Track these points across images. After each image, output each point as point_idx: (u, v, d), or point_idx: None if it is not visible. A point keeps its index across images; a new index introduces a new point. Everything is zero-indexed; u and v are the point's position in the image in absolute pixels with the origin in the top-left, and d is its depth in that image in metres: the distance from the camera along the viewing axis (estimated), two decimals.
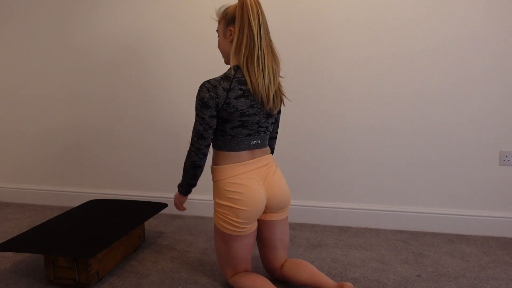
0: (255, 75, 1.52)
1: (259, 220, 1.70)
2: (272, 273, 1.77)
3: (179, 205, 1.80)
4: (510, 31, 2.11)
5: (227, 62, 1.66)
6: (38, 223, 2.54)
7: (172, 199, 2.67)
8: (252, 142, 1.61)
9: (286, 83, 2.39)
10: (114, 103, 2.68)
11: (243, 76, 1.54)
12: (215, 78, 1.54)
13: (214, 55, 2.46)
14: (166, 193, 2.70)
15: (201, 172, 1.64)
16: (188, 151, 1.60)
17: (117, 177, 2.77)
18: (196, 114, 1.54)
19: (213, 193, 1.64)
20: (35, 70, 2.79)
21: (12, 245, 1.73)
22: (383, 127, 2.32)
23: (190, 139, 1.59)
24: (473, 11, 2.13)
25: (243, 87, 1.54)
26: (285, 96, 1.68)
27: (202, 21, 2.45)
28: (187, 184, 1.67)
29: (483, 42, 2.15)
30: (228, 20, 1.57)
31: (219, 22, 1.62)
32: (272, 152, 1.84)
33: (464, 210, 2.30)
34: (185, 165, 1.62)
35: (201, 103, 1.51)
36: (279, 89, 1.63)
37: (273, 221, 1.69)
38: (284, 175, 2.48)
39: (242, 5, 1.51)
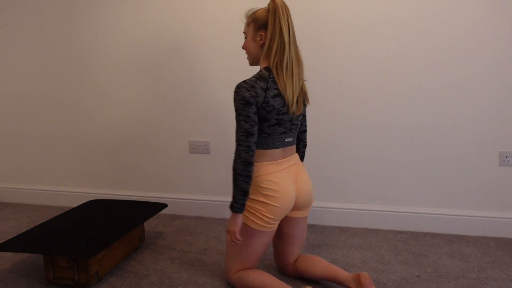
0: (284, 79, 1.58)
1: (284, 218, 1.76)
2: (284, 268, 1.82)
3: (236, 233, 1.60)
4: (510, 31, 2.11)
5: (252, 64, 1.71)
6: (38, 223, 2.54)
7: (172, 200, 2.67)
8: (286, 140, 1.67)
9: None
10: (114, 103, 2.68)
11: (275, 78, 1.59)
12: (250, 79, 1.58)
13: (214, 56, 2.47)
14: (166, 193, 2.70)
15: (253, 171, 1.60)
16: (236, 153, 1.56)
17: (117, 177, 2.77)
18: (239, 114, 1.55)
19: None
20: (35, 71, 2.78)
21: (11, 245, 1.73)
22: (383, 127, 2.32)
23: (238, 139, 1.56)
24: (473, 11, 2.13)
25: (277, 87, 1.59)
26: (307, 98, 1.73)
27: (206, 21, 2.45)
28: (242, 193, 1.56)
29: (483, 42, 2.15)
30: (260, 25, 1.60)
31: (248, 24, 1.65)
32: (305, 146, 1.90)
33: (463, 210, 2.30)
34: (235, 169, 1.55)
35: (243, 102, 1.54)
36: (303, 91, 1.68)
37: (297, 218, 1.75)
38: None
39: (274, 11, 1.55)
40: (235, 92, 1.56)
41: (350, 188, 2.42)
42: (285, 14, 1.55)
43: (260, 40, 1.62)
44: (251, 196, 1.63)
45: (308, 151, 2.43)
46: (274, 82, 1.59)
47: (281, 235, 1.79)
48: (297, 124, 1.70)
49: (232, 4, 2.38)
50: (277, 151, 1.65)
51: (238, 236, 1.60)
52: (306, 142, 1.90)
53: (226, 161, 2.56)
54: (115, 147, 2.74)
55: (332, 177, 2.43)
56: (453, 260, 1.99)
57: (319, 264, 1.72)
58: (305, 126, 1.86)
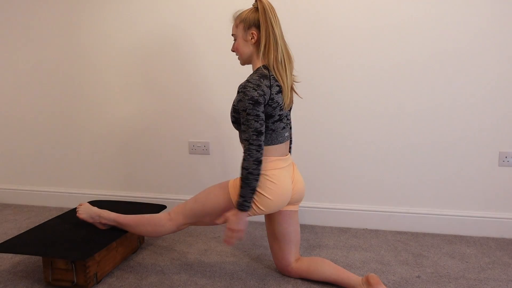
0: (281, 75, 1.64)
1: (277, 213, 1.77)
2: (286, 269, 1.81)
3: (243, 231, 1.61)
4: (509, 31, 2.11)
5: (244, 64, 1.75)
6: (37, 224, 2.53)
7: (171, 200, 2.67)
8: (286, 134, 1.72)
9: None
10: (113, 104, 2.68)
11: (274, 74, 1.64)
12: (253, 78, 1.60)
13: (214, 57, 2.46)
14: (166, 194, 2.70)
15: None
16: (247, 152, 1.56)
17: (117, 178, 2.77)
18: (248, 114, 1.56)
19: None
20: (35, 72, 2.78)
21: (8, 246, 1.73)
22: (382, 128, 2.32)
23: (248, 139, 1.57)
24: (473, 13, 2.13)
25: (278, 84, 1.64)
26: (295, 92, 1.79)
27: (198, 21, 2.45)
28: (252, 191, 1.57)
29: (482, 42, 2.14)
30: (249, 24, 1.64)
31: (237, 26, 1.68)
32: (292, 142, 1.94)
33: (463, 211, 2.30)
34: (246, 168, 1.56)
35: (252, 102, 1.55)
36: (292, 86, 1.74)
37: (291, 212, 1.78)
38: None
39: (263, 10, 1.61)
40: (242, 92, 1.56)
41: (350, 189, 2.42)
42: (273, 12, 1.62)
43: (252, 38, 1.65)
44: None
45: (308, 151, 2.43)
46: (275, 79, 1.63)
47: (277, 235, 1.79)
48: (290, 119, 1.77)
49: (233, 5, 2.38)
50: (282, 146, 1.70)
51: (243, 235, 1.61)
52: (292, 137, 1.94)
53: (225, 162, 2.56)
54: (114, 148, 2.73)
55: (332, 178, 2.43)
56: (453, 261, 1.99)
57: (328, 266, 1.73)
58: (291, 121, 1.90)
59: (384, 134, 2.32)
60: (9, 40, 2.78)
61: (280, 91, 1.64)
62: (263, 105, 1.58)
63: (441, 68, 2.21)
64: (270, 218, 1.81)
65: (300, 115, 2.40)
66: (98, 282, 1.81)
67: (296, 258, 1.81)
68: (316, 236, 2.30)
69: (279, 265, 1.83)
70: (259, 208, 1.65)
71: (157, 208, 2.18)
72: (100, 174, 2.79)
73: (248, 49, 1.68)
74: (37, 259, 2.05)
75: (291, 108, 1.79)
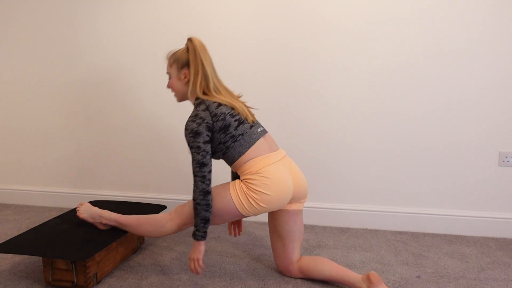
0: (217, 96, 1.71)
1: (281, 212, 1.78)
2: (288, 268, 1.82)
3: (199, 260, 1.68)
4: (509, 31, 2.11)
5: (180, 101, 1.83)
6: (37, 225, 2.53)
7: (170, 200, 2.67)
8: (258, 130, 1.73)
9: (290, 83, 2.39)
10: (114, 104, 2.68)
11: (208, 98, 1.70)
12: (191, 114, 1.68)
13: (222, 52, 2.46)
14: (166, 194, 2.70)
15: (212, 198, 1.66)
16: (194, 184, 1.64)
17: (116, 178, 2.77)
18: (191, 147, 1.64)
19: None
20: (35, 72, 2.78)
21: (8, 246, 1.72)
22: (381, 129, 2.32)
23: (193, 171, 1.65)
24: (472, 13, 2.13)
25: (215, 101, 1.69)
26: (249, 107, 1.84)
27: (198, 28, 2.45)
28: (203, 221, 1.64)
29: (482, 42, 2.14)
30: (182, 64, 1.74)
31: (171, 65, 1.77)
32: None
33: (463, 211, 2.30)
34: (194, 199, 1.63)
35: (192, 134, 1.63)
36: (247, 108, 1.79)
37: (296, 210, 1.78)
38: None
39: (194, 49, 1.69)
40: (185, 129, 1.65)
41: (350, 189, 2.42)
42: (203, 50, 1.70)
43: (185, 78, 1.74)
44: (250, 186, 1.64)
45: (308, 152, 2.43)
46: (211, 101, 1.69)
47: (282, 234, 1.79)
48: (256, 120, 1.77)
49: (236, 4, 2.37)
50: (262, 143, 1.70)
51: (201, 263, 1.68)
52: None
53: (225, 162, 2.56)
54: (114, 149, 2.73)
55: (332, 178, 2.43)
56: (453, 261, 1.99)
57: (328, 264, 1.73)
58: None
59: (384, 134, 2.32)
60: (8, 41, 2.78)
61: (221, 104, 1.68)
62: (206, 133, 1.63)
63: (441, 69, 2.20)
64: (275, 217, 1.80)
65: (299, 116, 2.40)
66: (98, 282, 1.81)
67: (297, 259, 1.81)
68: (316, 236, 2.30)
69: (281, 264, 1.83)
70: (260, 205, 1.64)
71: (157, 208, 2.18)
72: (101, 174, 2.79)
73: (182, 87, 1.77)
74: (37, 259, 2.05)
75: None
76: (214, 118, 1.64)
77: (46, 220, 2.63)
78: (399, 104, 2.28)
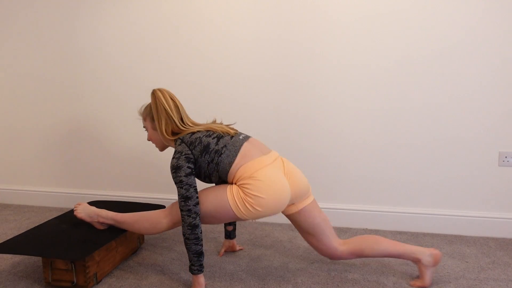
0: (189, 126, 1.77)
1: (295, 214, 1.78)
2: (334, 255, 1.82)
3: None
4: (509, 32, 2.11)
5: (162, 149, 1.90)
6: (35, 225, 2.53)
7: (169, 200, 2.67)
8: (241, 137, 1.75)
9: (287, 84, 2.39)
10: (113, 104, 2.68)
11: (182, 132, 1.76)
12: (173, 154, 1.74)
13: (211, 56, 2.46)
14: (166, 194, 2.70)
15: (201, 231, 1.68)
16: (182, 219, 1.64)
17: (116, 178, 2.77)
18: (175, 183, 1.66)
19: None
20: (34, 72, 2.78)
21: (6, 247, 1.72)
22: (381, 129, 2.32)
23: (179, 206, 1.67)
24: (471, 11, 2.13)
25: (189, 132, 1.74)
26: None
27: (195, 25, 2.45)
28: (196, 255, 1.65)
29: (482, 42, 2.14)
30: (153, 116, 1.80)
31: (145, 119, 1.85)
32: None
33: (463, 211, 2.30)
34: (184, 235, 1.64)
35: (174, 170, 1.65)
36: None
37: (309, 206, 1.78)
38: None
39: (154, 100, 1.76)
40: (170, 170, 1.72)
41: (350, 189, 2.42)
42: (166, 97, 1.75)
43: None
44: (245, 190, 1.64)
45: (308, 151, 2.43)
46: (185, 134, 1.74)
47: (309, 231, 1.80)
48: (238, 132, 1.80)
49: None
50: (248, 148, 1.70)
51: None
52: None
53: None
54: (114, 149, 2.73)
55: (332, 178, 2.43)
56: (453, 261, 1.98)
57: (384, 242, 1.75)
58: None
59: (384, 134, 2.32)
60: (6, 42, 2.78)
61: (193, 133, 1.73)
62: (186, 165, 1.64)
63: (441, 68, 2.20)
64: (293, 218, 1.81)
65: (299, 115, 2.40)
66: (98, 282, 1.80)
67: (339, 242, 1.81)
68: None
69: (326, 254, 1.83)
70: (256, 209, 1.64)
71: (155, 208, 2.18)
72: (100, 175, 2.79)
73: (159, 137, 1.83)
74: (37, 260, 2.05)
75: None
76: (190, 146, 1.68)
77: (46, 220, 2.63)
78: (399, 104, 2.28)
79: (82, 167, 2.82)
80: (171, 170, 1.66)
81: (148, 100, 2.61)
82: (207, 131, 1.74)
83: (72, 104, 2.75)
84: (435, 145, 2.27)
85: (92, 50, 2.65)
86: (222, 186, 1.71)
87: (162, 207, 2.20)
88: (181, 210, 1.63)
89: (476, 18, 2.13)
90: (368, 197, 2.40)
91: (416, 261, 1.71)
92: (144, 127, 1.88)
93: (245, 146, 1.71)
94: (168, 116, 1.75)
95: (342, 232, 2.36)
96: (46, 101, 2.80)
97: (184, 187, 1.63)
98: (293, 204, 1.77)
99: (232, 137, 1.73)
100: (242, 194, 1.64)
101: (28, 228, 2.49)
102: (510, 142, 2.20)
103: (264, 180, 1.63)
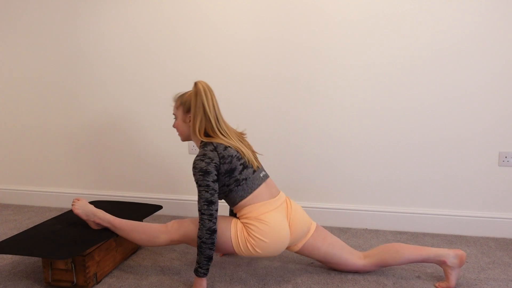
0: (222, 137, 1.73)
1: (299, 251, 1.82)
2: (358, 270, 1.84)
3: None
4: (509, 32, 2.11)
5: (184, 140, 1.85)
6: (34, 225, 2.53)
7: (168, 200, 2.67)
8: (261, 175, 1.76)
9: (287, 84, 2.39)
10: (113, 104, 2.68)
11: (215, 140, 1.72)
12: (199, 151, 1.70)
13: (210, 56, 2.46)
14: (166, 194, 2.70)
15: (217, 236, 1.68)
16: (200, 222, 1.63)
17: (116, 178, 2.77)
18: (199, 185, 1.64)
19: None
20: (34, 72, 2.78)
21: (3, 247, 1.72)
22: (381, 129, 2.32)
23: (200, 209, 1.66)
24: (473, 12, 2.13)
25: (222, 143, 1.71)
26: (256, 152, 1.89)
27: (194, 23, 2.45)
28: (207, 259, 1.65)
29: (482, 42, 2.14)
30: (188, 108, 1.77)
31: (177, 108, 1.81)
32: None
33: (463, 211, 2.30)
34: (200, 237, 1.63)
35: (202, 173, 1.63)
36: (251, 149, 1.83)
37: (307, 242, 1.80)
38: (283, 176, 2.48)
39: (195, 93, 1.70)
40: (193, 168, 1.66)
41: (350, 189, 2.42)
42: (207, 94, 1.70)
43: (190, 121, 1.77)
44: (249, 231, 1.67)
45: (308, 152, 2.43)
46: (218, 143, 1.71)
47: (323, 259, 1.83)
48: (260, 165, 1.80)
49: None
50: (263, 189, 1.73)
51: None
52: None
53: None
54: (114, 149, 2.73)
55: (332, 178, 2.43)
56: None
57: (405, 249, 1.74)
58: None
59: (384, 134, 2.32)
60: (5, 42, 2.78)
61: (228, 146, 1.70)
62: (214, 172, 1.64)
63: (441, 68, 2.20)
64: (303, 253, 1.83)
65: (299, 115, 2.40)
66: (98, 282, 1.81)
67: (359, 256, 1.82)
68: None
69: (349, 271, 1.85)
70: (256, 250, 1.68)
71: (153, 208, 2.18)
72: (99, 175, 2.79)
73: (187, 129, 1.80)
74: (37, 260, 2.05)
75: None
76: (221, 160, 1.67)
77: (45, 220, 2.63)
78: (399, 104, 2.28)
79: (82, 167, 2.82)
80: (197, 171, 1.64)
81: (148, 100, 2.61)
82: (237, 151, 1.72)
83: (72, 104, 2.75)
84: (435, 145, 2.27)
85: (94, 49, 2.65)
86: (228, 219, 1.73)
87: (159, 207, 2.20)
88: (202, 214, 1.63)
89: (476, 18, 2.13)
90: (368, 197, 2.40)
91: (442, 263, 1.70)
92: (174, 114, 1.83)
93: (261, 188, 1.72)
94: (206, 116, 1.72)
95: (342, 232, 2.36)
96: (45, 102, 2.80)
97: (209, 191, 1.63)
98: (294, 244, 1.81)
99: (254, 171, 1.74)
100: (245, 234, 1.67)
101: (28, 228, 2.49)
102: (510, 142, 2.20)
103: (270, 225, 1.66)
